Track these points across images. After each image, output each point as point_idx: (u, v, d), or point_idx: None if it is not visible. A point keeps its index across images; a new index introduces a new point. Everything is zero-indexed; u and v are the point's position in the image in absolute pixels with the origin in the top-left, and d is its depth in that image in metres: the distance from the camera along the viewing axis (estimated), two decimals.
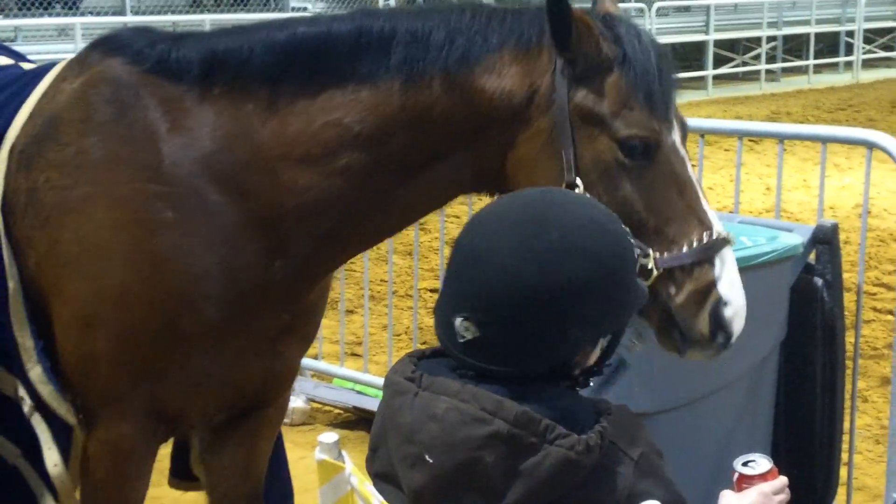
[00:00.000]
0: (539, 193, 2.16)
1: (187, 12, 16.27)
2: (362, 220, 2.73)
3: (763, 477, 2.17)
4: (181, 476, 3.31)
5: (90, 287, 2.72)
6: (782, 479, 2.18)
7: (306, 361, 5.60)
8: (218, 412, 2.97)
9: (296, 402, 5.56)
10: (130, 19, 14.26)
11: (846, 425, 4.33)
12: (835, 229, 3.93)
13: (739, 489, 2.22)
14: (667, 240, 2.49)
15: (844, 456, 4.31)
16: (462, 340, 2.02)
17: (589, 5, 2.70)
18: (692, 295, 2.49)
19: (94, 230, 2.71)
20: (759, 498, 2.15)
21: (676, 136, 2.55)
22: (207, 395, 2.86)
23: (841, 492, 4.28)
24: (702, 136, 4.46)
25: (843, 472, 4.29)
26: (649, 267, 2.45)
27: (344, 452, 2.23)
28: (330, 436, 2.23)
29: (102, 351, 2.75)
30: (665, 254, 2.47)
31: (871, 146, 4.03)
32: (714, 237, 2.49)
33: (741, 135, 4.44)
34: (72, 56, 2.99)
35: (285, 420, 5.49)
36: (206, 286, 2.71)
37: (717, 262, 2.49)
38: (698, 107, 17.16)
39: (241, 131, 2.71)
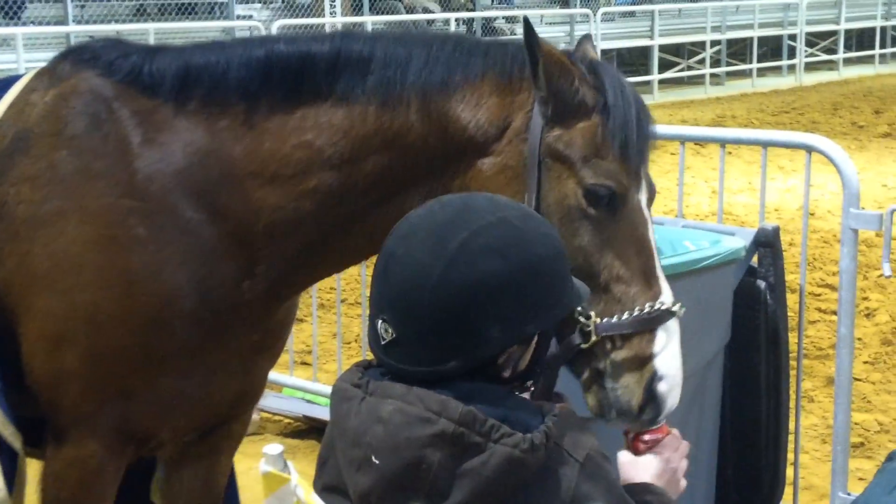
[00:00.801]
0: (459, 198, 2.16)
1: (131, 21, 16.14)
2: (331, 243, 2.71)
3: (654, 433, 2.19)
4: None
5: (61, 303, 2.67)
6: (675, 432, 2.19)
7: None
8: (189, 430, 2.92)
9: None
10: (73, 29, 14.12)
11: (792, 425, 4.38)
12: (776, 232, 3.97)
13: (636, 449, 2.24)
14: (613, 299, 2.42)
15: (793, 456, 4.36)
16: (383, 342, 2.04)
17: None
18: (628, 363, 2.42)
19: (66, 245, 2.66)
20: (661, 464, 2.17)
21: (643, 196, 2.51)
22: (179, 413, 2.81)
23: (788, 491, 4.33)
24: None
25: (790, 471, 4.34)
26: (587, 330, 2.40)
27: (289, 463, 2.23)
28: (275, 447, 2.23)
29: (72, 369, 2.69)
30: (606, 318, 2.41)
31: (810, 150, 4.08)
32: (661, 307, 2.42)
33: (683, 139, 4.47)
34: (38, 66, 2.93)
35: None
36: (179, 304, 2.66)
37: (660, 333, 2.42)
38: None
39: (215, 147, 2.68)
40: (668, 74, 20.61)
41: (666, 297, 2.44)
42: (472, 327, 1.98)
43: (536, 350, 2.10)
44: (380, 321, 2.04)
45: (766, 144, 4.30)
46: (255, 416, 5.64)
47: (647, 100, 18.17)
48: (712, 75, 21.12)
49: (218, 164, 2.68)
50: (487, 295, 1.97)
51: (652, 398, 2.40)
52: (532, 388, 2.16)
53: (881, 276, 7.98)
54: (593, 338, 2.40)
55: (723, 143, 4.46)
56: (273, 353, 3.02)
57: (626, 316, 2.41)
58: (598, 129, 2.47)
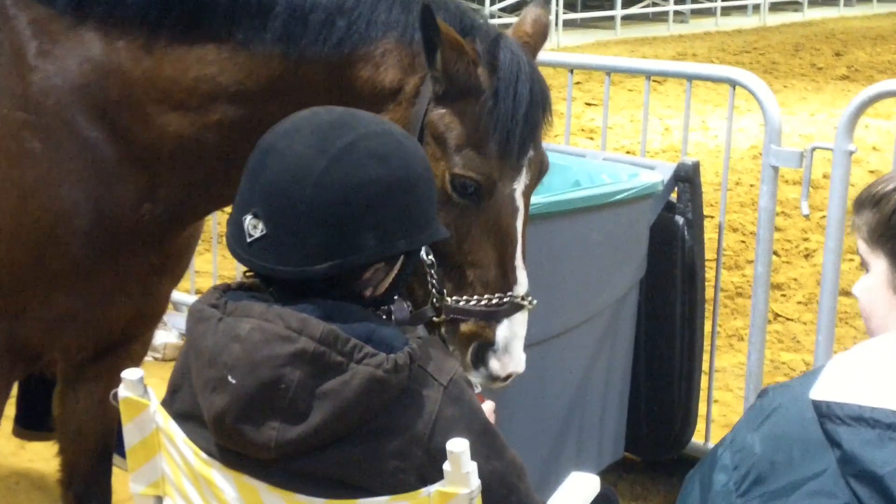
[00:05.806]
0: (343, 108, 2.14)
1: None
2: (235, 175, 2.64)
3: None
4: (28, 425, 3.20)
5: None
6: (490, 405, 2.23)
7: (180, 296, 5.51)
8: (82, 350, 2.87)
9: (168, 337, 5.46)
10: None
11: (712, 364, 4.36)
12: (696, 167, 3.91)
13: None
14: (466, 283, 2.43)
15: (715, 394, 4.34)
16: (250, 240, 1.98)
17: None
18: (466, 336, 2.45)
19: None
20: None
21: (520, 183, 2.47)
22: (71, 333, 2.76)
23: (702, 427, 4.32)
24: (571, 71, 4.42)
25: (703, 407, 4.33)
26: (437, 306, 2.41)
27: (150, 389, 2.15)
28: (134, 372, 2.15)
29: None
30: (455, 298, 2.42)
31: (734, 84, 4.02)
32: (510, 299, 2.43)
33: (609, 70, 4.40)
34: None
35: (156, 355, 5.42)
36: (74, 222, 2.61)
37: (505, 323, 2.43)
38: (606, 47, 17.15)
39: (114, 68, 2.61)
40: (632, 10, 20.42)
41: (519, 289, 2.45)
42: (347, 230, 1.94)
43: (398, 276, 2.06)
44: (249, 216, 1.98)
45: (690, 77, 4.26)
46: (177, 341, 5.57)
47: (609, 35, 17.91)
48: (676, 13, 20.95)
49: (117, 85, 2.61)
50: (367, 199, 1.94)
51: (482, 362, 2.44)
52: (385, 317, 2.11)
53: (823, 217, 7.97)
54: (443, 315, 2.42)
55: (648, 75, 4.41)
56: (174, 276, 2.97)
57: (474, 302, 2.42)
58: (481, 118, 2.42)
